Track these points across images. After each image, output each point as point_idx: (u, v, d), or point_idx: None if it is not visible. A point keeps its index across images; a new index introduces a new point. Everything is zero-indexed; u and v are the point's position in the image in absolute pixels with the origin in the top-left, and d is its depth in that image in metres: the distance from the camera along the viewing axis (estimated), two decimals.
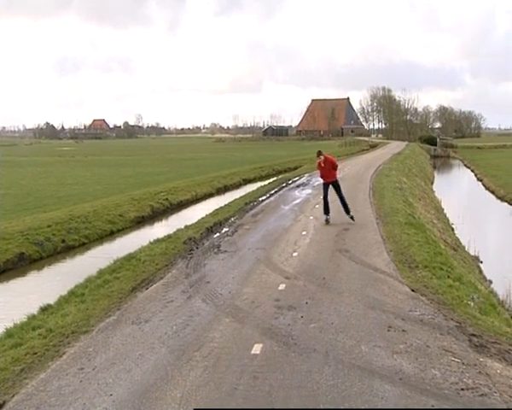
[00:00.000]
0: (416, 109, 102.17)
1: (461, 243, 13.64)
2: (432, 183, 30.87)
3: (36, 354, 5.08)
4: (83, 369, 4.70)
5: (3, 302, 9.48)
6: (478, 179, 33.40)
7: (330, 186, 12.37)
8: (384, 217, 12.62)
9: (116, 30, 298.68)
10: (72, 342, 5.42)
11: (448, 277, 7.49)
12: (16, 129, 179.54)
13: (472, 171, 39.34)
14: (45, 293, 8.75)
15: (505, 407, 3.95)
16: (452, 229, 16.01)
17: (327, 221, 12.05)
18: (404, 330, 5.33)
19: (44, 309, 6.95)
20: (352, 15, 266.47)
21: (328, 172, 12.29)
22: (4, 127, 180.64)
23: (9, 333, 5.96)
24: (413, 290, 6.72)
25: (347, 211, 12.21)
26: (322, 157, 12.25)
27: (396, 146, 59.32)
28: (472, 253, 12.61)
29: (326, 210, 12.22)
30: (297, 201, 16.69)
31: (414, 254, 8.71)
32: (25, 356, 5.03)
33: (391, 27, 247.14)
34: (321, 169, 12.36)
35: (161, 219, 18.88)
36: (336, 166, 12.46)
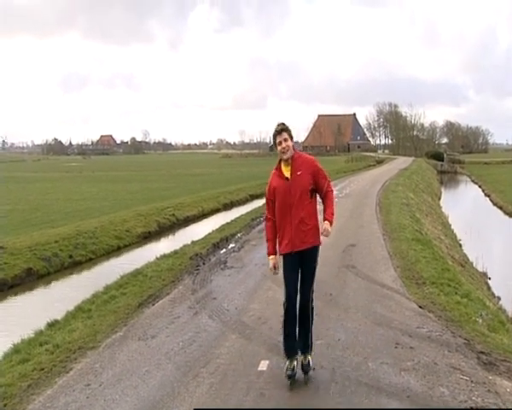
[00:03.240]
0: (422, 125, 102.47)
1: (468, 259, 13.55)
2: (439, 198, 30.77)
3: (43, 369, 5.08)
4: (89, 385, 4.70)
5: (11, 317, 9.51)
6: (485, 195, 33.24)
7: (298, 265, 4.62)
8: (391, 233, 12.58)
9: (119, 47, 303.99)
10: (79, 358, 5.42)
11: (456, 293, 7.44)
12: (25, 145, 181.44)
13: (479, 186, 39.18)
14: (52, 308, 8.76)
15: None
16: (460, 245, 15.92)
17: (290, 378, 4.51)
18: (411, 347, 5.30)
19: (51, 325, 6.96)
20: (352, 30, 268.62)
21: (300, 203, 4.50)
22: (13, 143, 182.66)
23: (17, 349, 5.97)
24: (420, 307, 6.68)
25: (306, 346, 4.64)
26: (286, 147, 4.52)
27: (403, 161, 59.29)
28: (480, 269, 12.52)
29: (289, 343, 4.65)
30: None
31: (421, 270, 8.67)
32: (32, 372, 5.04)
33: (391, 42, 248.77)
34: (277, 193, 4.58)
35: (168, 235, 18.92)
36: (324, 183, 4.60)
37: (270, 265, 4.66)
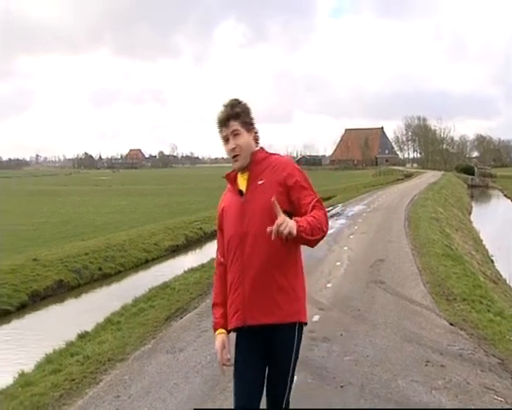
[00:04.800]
0: (452, 138, 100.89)
1: (501, 276, 13.22)
2: (469, 213, 30.17)
3: (74, 380, 5.18)
4: (119, 397, 4.76)
5: (44, 328, 9.72)
6: None
7: (261, 355, 2.61)
8: (420, 248, 12.38)
9: (147, 63, 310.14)
10: (109, 369, 5.50)
11: (488, 311, 7.26)
12: (57, 159, 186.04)
13: None
14: (82, 320, 8.92)
15: None
16: (492, 261, 15.55)
17: None
18: (442, 366, 5.19)
19: (82, 336, 7.09)
20: (378, 43, 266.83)
21: (260, 237, 2.49)
22: (46, 157, 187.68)
23: (49, 359, 6.11)
24: (451, 324, 6.55)
25: None
26: (238, 148, 2.62)
27: (432, 175, 58.42)
28: None
29: None
30: (330, 231, 16.52)
31: (452, 286, 8.50)
32: (63, 382, 5.14)
33: (418, 55, 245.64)
34: (226, 218, 2.71)
35: (195, 249, 19.07)
36: (307, 198, 2.55)
37: (217, 346, 2.67)
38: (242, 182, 2.67)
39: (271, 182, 2.58)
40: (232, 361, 2.66)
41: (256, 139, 2.70)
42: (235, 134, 2.61)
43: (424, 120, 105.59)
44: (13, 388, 5.46)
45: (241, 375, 2.62)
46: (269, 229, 2.31)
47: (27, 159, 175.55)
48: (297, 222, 2.36)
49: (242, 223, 2.58)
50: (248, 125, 2.66)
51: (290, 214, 2.47)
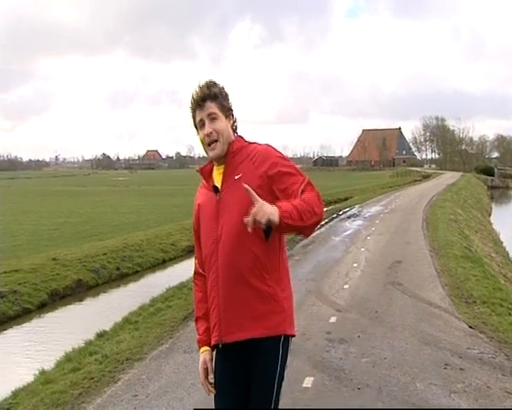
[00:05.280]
0: (471, 139, 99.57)
1: None
2: (489, 214, 29.75)
3: (93, 378, 5.23)
4: (137, 396, 4.80)
5: (62, 327, 9.85)
6: None
7: (242, 374, 2.28)
8: (438, 249, 12.25)
9: (163, 64, 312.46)
10: (127, 368, 5.54)
11: (509, 314, 7.15)
12: (76, 160, 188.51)
13: None
14: (101, 319, 9.02)
15: None
16: None
17: None
18: (461, 369, 5.12)
19: (100, 335, 7.18)
20: (394, 43, 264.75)
21: (237, 239, 2.21)
22: (65, 158, 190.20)
23: (69, 357, 6.20)
24: (471, 327, 6.46)
25: None
26: (214, 133, 2.27)
27: (450, 176, 57.77)
28: None
29: None
30: (348, 232, 16.50)
31: (471, 288, 8.39)
32: (83, 380, 5.20)
33: (435, 55, 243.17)
34: (201, 218, 2.38)
35: None
36: (295, 183, 2.20)
37: (200, 365, 2.37)
38: (218, 177, 2.33)
39: (250, 176, 2.22)
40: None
41: (234, 129, 2.36)
42: (212, 118, 2.27)
43: (442, 120, 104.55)
44: (34, 385, 5.55)
45: (220, 396, 2.33)
46: (245, 220, 2.00)
47: (47, 160, 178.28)
48: (279, 208, 2.02)
49: (217, 225, 2.25)
50: (227, 109, 2.32)
51: None
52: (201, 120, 2.28)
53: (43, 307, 10.94)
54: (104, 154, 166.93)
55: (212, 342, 2.32)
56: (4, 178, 77.47)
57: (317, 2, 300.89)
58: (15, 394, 5.36)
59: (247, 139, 2.37)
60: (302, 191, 2.16)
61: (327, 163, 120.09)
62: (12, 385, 5.76)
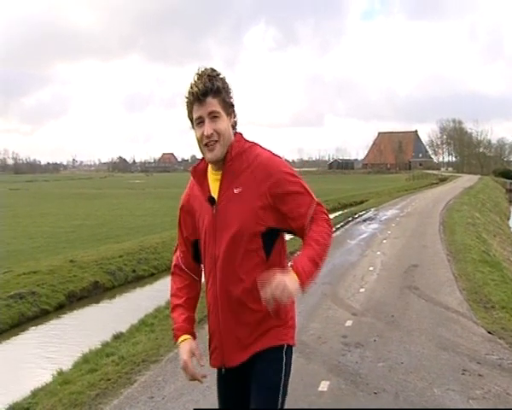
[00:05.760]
0: (489, 141, 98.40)
1: None
2: (508, 218, 29.33)
3: (109, 380, 5.28)
4: (153, 398, 4.83)
5: (80, 328, 9.95)
6: None
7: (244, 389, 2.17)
8: (455, 254, 12.12)
9: (178, 67, 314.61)
10: (143, 370, 5.58)
11: None
12: (92, 163, 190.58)
13: None
14: (117, 320, 9.09)
15: None
16: None
17: None
18: (480, 375, 5.05)
19: (117, 337, 7.23)
20: (410, 45, 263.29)
21: (235, 260, 2.04)
22: (82, 161, 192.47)
23: (86, 359, 6.25)
24: (489, 332, 6.37)
25: None
26: (214, 134, 2.00)
27: (467, 180, 57.09)
28: None
29: None
30: (363, 235, 16.40)
31: (489, 293, 8.28)
32: (99, 382, 5.25)
33: (451, 56, 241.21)
34: (200, 221, 2.16)
35: None
36: (304, 206, 2.04)
37: (183, 358, 2.17)
38: (214, 184, 2.09)
39: (251, 193, 1.99)
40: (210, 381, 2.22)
41: (234, 125, 2.09)
42: (214, 116, 2.00)
43: (459, 122, 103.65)
44: (52, 385, 5.61)
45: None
46: (263, 298, 1.86)
47: (65, 163, 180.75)
48: (297, 272, 1.91)
49: (215, 243, 2.06)
50: (229, 106, 2.05)
51: (278, 232, 2.07)
52: (200, 118, 2.02)
53: (60, 309, 11.06)
54: (120, 157, 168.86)
55: (212, 364, 2.21)
56: (23, 181, 78.74)
57: (332, 5, 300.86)
58: (34, 393, 5.42)
59: (247, 139, 2.13)
60: (312, 220, 2.03)
61: (342, 166, 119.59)
62: (31, 385, 5.83)
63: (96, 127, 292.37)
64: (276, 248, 2.09)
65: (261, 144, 2.14)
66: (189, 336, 2.20)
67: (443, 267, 10.54)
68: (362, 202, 34.00)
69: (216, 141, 2.01)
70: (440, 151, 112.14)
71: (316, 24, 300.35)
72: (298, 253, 2.07)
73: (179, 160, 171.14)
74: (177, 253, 2.32)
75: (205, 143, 2.01)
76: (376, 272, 10.30)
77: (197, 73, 2.02)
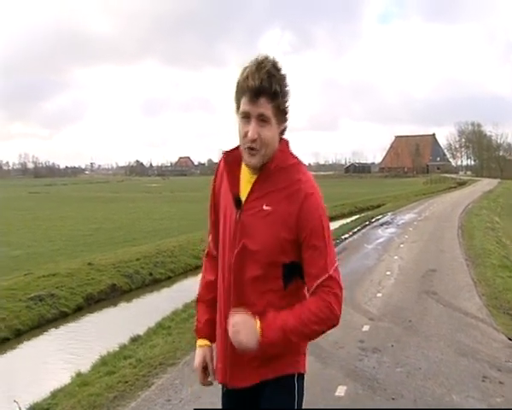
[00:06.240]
0: (509, 145, 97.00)
1: None
2: None
3: (127, 382, 5.32)
4: (170, 401, 4.85)
5: (98, 330, 10.05)
6: None
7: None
8: (474, 258, 11.96)
9: (194, 71, 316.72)
10: (160, 373, 5.61)
11: None
12: (110, 166, 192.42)
13: None
14: (134, 323, 9.16)
15: None
16: None
17: None
18: (501, 382, 4.98)
19: (134, 339, 7.28)
20: (427, 48, 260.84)
21: (252, 275, 1.84)
22: (100, 165, 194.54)
23: (104, 361, 6.32)
24: (510, 339, 6.28)
25: None
26: (258, 139, 1.79)
27: (487, 183, 56.37)
28: None
29: None
30: (380, 240, 16.29)
31: (510, 299, 8.16)
32: (117, 384, 5.29)
33: (469, 59, 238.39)
34: (222, 213, 2.00)
35: None
36: (319, 266, 1.84)
37: (196, 363, 2.05)
38: (245, 185, 1.88)
39: (280, 217, 1.81)
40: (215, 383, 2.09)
41: (282, 131, 1.89)
42: (262, 120, 1.78)
43: (478, 125, 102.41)
44: (71, 387, 5.68)
45: None
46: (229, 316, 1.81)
47: (83, 166, 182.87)
48: (263, 328, 1.75)
49: (232, 250, 1.88)
50: (282, 114, 1.84)
51: (299, 268, 1.86)
52: (247, 114, 1.79)
53: (79, 311, 11.18)
54: (137, 161, 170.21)
55: (216, 379, 2.05)
56: (43, 184, 79.91)
57: (348, 8, 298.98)
58: (54, 395, 5.49)
59: (292, 151, 1.93)
60: (315, 290, 1.85)
61: (359, 170, 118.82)
62: (50, 386, 5.90)
63: (114, 131, 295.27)
64: (296, 279, 1.90)
65: (304, 163, 1.95)
66: (206, 342, 2.07)
67: (462, 272, 10.42)
68: (379, 206, 33.76)
69: (258, 150, 1.81)
70: (459, 155, 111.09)
71: (332, 27, 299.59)
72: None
73: (196, 163, 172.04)
74: (209, 241, 2.19)
75: (247, 145, 1.82)
76: (394, 277, 10.22)
77: (257, 61, 1.77)
